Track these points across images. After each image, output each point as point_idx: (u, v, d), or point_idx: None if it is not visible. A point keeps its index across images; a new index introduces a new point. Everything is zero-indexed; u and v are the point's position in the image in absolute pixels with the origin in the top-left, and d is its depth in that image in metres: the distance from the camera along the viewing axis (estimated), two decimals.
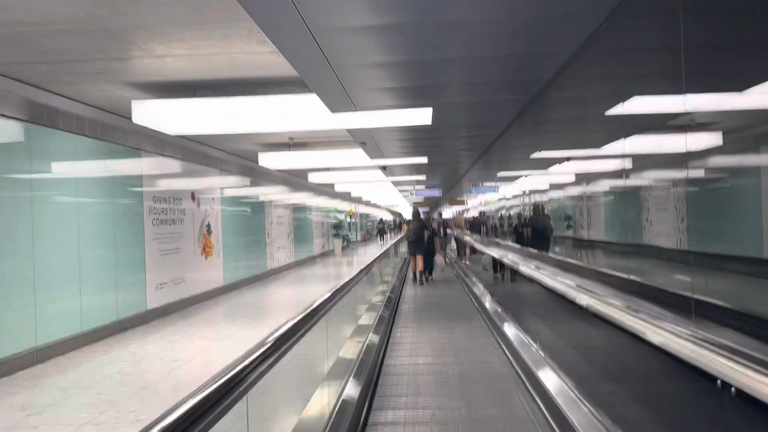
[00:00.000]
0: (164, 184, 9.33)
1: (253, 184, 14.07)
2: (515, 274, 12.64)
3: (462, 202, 40.45)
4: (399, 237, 29.53)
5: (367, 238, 39.16)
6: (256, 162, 11.07)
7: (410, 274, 13.87)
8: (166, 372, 5.63)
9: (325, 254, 22.91)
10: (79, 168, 7.13)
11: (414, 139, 9.00)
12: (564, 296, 5.54)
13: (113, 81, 6.37)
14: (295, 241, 18.06)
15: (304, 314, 3.55)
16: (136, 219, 8.38)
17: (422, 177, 16.91)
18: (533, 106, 6.77)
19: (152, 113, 6.50)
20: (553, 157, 12.22)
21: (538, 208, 16.08)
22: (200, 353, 6.38)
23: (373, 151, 10.18)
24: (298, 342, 3.22)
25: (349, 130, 8.17)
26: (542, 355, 5.34)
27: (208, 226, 11.00)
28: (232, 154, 12.39)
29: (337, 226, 24.32)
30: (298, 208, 18.92)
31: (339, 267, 18.34)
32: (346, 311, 6.42)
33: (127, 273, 8.02)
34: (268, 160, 11.06)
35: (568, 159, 12.58)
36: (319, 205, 22.26)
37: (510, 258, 11.31)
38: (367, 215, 41.85)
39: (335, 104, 6.21)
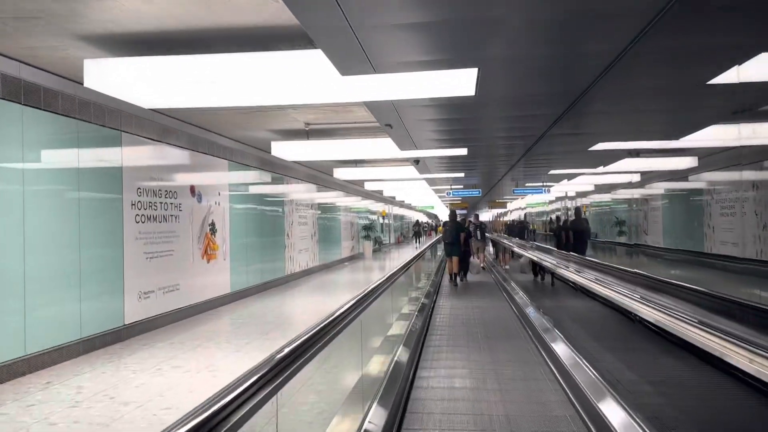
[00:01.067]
0: (154, 175, 7.88)
1: (272, 179, 12.59)
2: (553, 276, 11.98)
3: (503, 205, 38.44)
4: (434, 239, 27.85)
5: (401, 240, 37.52)
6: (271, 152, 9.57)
7: (446, 277, 13.57)
8: (101, 425, 4.09)
9: (354, 257, 21.36)
10: (32, 152, 5.69)
11: (451, 120, 7.31)
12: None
13: (61, 34, 4.89)
14: (320, 243, 16.54)
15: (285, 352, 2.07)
16: (111, 215, 6.92)
17: (460, 174, 15.16)
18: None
19: (111, 76, 4.98)
20: (615, 148, 10.35)
21: (578, 211, 14.92)
22: (161, 393, 4.83)
23: (402, 139, 8.51)
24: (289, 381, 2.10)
25: (368, 105, 6.52)
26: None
27: (212, 224, 9.52)
28: (244, 143, 10.91)
29: (368, 228, 22.74)
30: (324, 208, 17.40)
31: (368, 272, 16.74)
32: (360, 339, 4.83)
33: (97, 280, 6.56)
34: (282, 149, 9.53)
35: (635, 153, 10.70)
36: (348, 204, 20.73)
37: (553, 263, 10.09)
38: (401, 217, 40.21)
39: (346, 62, 4.58)
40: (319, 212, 16.79)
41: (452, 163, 12.61)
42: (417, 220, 42.77)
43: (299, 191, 14.74)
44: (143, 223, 7.54)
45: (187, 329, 7.71)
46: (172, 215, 8.28)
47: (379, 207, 28.52)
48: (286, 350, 2.20)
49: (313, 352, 2.55)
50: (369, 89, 5.32)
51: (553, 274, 11.99)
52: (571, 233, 12.98)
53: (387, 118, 6.93)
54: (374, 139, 9.47)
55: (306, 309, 9.71)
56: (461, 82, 5.13)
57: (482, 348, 6.35)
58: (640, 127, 8.42)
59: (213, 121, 8.92)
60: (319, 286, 13.25)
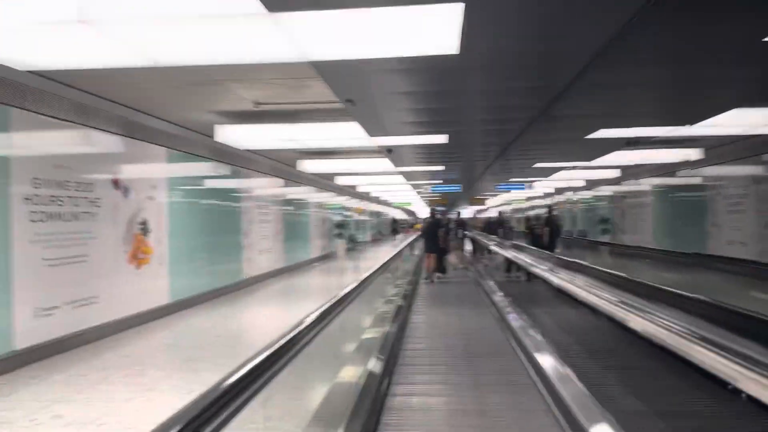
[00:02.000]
0: (62, 163, 6.35)
1: (227, 171, 11.08)
2: (530, 275, 11.71)
3: (482, 201, 37.25)
4: (412, 238, 26.53)
5: (377, 239, 36.12)
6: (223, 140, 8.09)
7: (426, 275, 13.23)
8: None
9: (326, 257, 19.90)
10: None
11: (428, 95, 5.93)
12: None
13: None
14: (286, 242, 15.05)
15: None
16: None
17: (440, 168, 13.80)
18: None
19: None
20: (616, 136, 9.04)
21: (551, 210, 14.68)
22: None
23: (370, 121, 7.10)
24: None
25: (320, 68, 5.08)
26: None
27: (144, 223, 8.01)
28: (190, 129, 9.38)
29: (341, 225, 21.28)
30: (291, 204, 15.92)
31: (338, 274, 15.31)
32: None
33: None
34: (228, 134, 8.09)
35: (635, 142, 9.41)
36: (319, 201, 19.26)
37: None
38: (378, 214, 38.80)
39: None
40: (286, 209, 15.30)
41: (431, 155, 11.26)
42: (393, 218, 41.46)
43: (261, 186, 13.24)
44: (43, 222, 6.01)
45: (100, 353, 6.21)
46: (86, 212, 6.76)
47: (353, 204, 27.08)
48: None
49: (240, 403, 1.98)
50: (317, 40, 3.90)
51: (529, 272, 11.57)
52: (546, 230, 13.09)
53: (348, 91, 5.51)
54: (339, 123, 8.03)
55: (256, 323, 8.25)
56: (441, 32, 3.75)
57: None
58: (648, 108, 7.14)
59: (143, 99, 7.41)
60: (281, 292, 11.79)
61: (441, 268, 13.15)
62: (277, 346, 2.70)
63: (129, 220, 7.65)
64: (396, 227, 35.57)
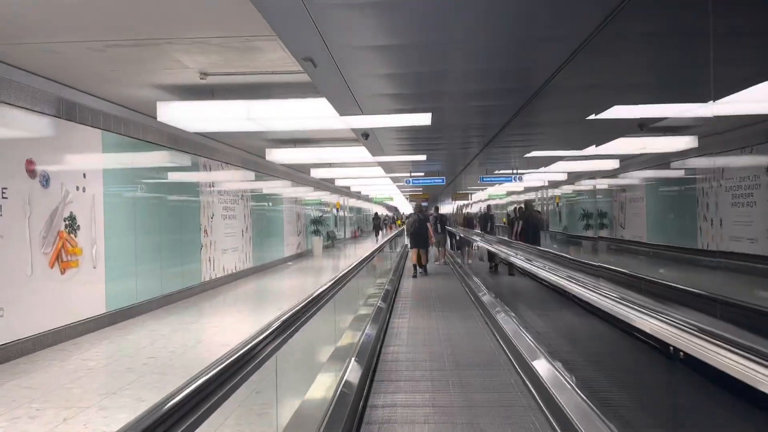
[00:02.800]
0: None
1: (182, 161, 9.79)
2: (512, 267, 11.27)
3: (466, 197, 36.18)
4: (394, 233, 25.36)
5: (358, 235, 34.91)
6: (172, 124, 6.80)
7: (408, 273, 13.43)
8: None
9: (301, 255, 18.65)
10: None
11: (405, 49, 4.69)
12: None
13: None
14: (254, 240, 13.78)
15: None
16: None
17: (422, 157, 12.60)
18: None
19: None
20: (628, 117, 7.91)
21: (529, 204, 14.50)
22: None
23: (338, 93, 5.84)
24: None
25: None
26: None
27: (71, 219, 6.70)
28: (128, 108, 8.06)
29: (318, 222, 20.00)
30: (261, 198, 14.64)
31: (313, 274, 14.08)
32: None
33: None
34: (171, 113, 6.82)
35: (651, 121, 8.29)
36: (294, 196, 17.99)
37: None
38: (358, 209, 37.59)
39: None
40: (255, 204, 14.01)
41: (413, 140, 10.06)
42: (376, 213, 40.26)
43: (226, 178, 11.95)
44: None
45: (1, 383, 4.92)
46: None
47: (332, 199, 25.82)
48: None
49: None
50: None
51: (512, 265, 11.00)
52: (527, 224, 12.89)
53: (306, 45, 4.25)
54: (304, 100, 6.78)
55: (205, 337, 6.97)
56: None
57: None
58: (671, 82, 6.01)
59: (70, 71, 6.10)
60: (245, 296, 10.54)
61: (426, 260, 13.42)
62: (206, 378, 1.61)
63: (51, 215, 6.34)
64: (378, 223, 34.07)
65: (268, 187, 15.43)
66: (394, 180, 20.17)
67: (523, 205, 14.49)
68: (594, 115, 6.94)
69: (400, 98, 6.39)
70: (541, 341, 4.98)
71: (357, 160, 13.25)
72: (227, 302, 9.64)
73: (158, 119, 6.77)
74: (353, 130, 8.55)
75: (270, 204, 15.55)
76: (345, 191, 27.98)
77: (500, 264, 12.71)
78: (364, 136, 8.86)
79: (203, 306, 9.07)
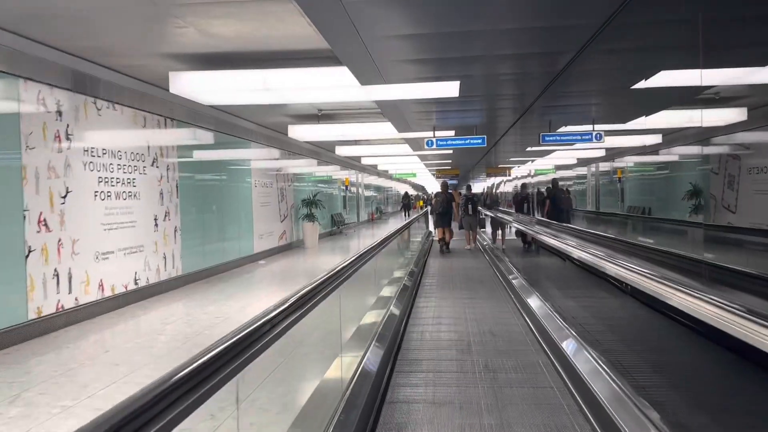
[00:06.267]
0: None
1: None
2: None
3: (503, 171, 30.42)
4: (419, 213, 20.09)
5: (375, 218, 29.69)
6: None
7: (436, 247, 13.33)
8: None
9: (287, 248, 13.56)
10: None
11: None
12: None
13: None
14: (186, 229, 8.72)
15: None
16: None
17: (451, 89, 7.31)
18: None
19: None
20: None
21: (555, 182, 13.69)
22: None
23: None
24: None
25: None
26: None
27: None
28: None
29: (311, 203, 14.78)
30: (206, 166, 9.57)
31: (281, 284, 8.98)
32: None
33: None
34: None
35: None
36: (274, 166, 12.84)
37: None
38: (377, 188, 32.33)
39: None
40: (191, 174, 8.95)
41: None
42: (406, 192, 36.38)
43: (103, 123, 6.86)
44: None
45: None
46: None
47: (340, 174, 20.61)
48: None
49: None
50: None
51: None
52: (553, 204, 12.56)
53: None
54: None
55: None
56: None
57: None
58: None
59: None
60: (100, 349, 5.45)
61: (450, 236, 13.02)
62: None
63: None
64: (408, 202, 32.93)
65: (226, 154, 10.35)
66: (414, 147, 14.83)
67: (550, 185, 13.69)
68: None
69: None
70: None
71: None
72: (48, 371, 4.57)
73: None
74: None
75: (226, 176, 10.43)
76: (355, 164, 22.74)
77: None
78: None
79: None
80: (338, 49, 5.14)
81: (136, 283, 7.30)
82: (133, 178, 7.31)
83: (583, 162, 22.78)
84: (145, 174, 7.56)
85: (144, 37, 5.52)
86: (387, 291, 6.07)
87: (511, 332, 5.21)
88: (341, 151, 15.10)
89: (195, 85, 6.21)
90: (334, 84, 6.09)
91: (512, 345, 4.78)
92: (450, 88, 6.55)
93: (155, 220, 7.81)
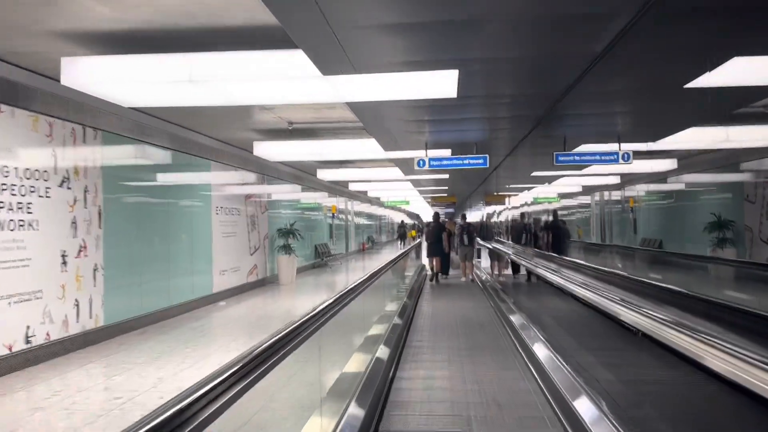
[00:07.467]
0: None
1: None
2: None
3: (500, 200, 28.72)
4: (415, 243, 18.40)
5: (366, 248, 27.89)
6: None
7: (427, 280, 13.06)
8: None
9: (258, 285, 11.75)
10: None
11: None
12: None
13: None
14: (112, 263, 6.95)
15: None
16: None
17: (448, 86, 5.62)
18: None
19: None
20: None
21: (555, 214, 13.99)
22: None
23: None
24: None
25: None
26: None
27: None
28: None
29: (287, 233, 13.01)
30: (151, 190, 7.84)
31: (227, 340, 7.17)
32: None
33: None
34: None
35: None
36: (240, 192, 11.12)
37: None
38: (369, 215, 30.61)
39: None
40: (121, 195, 7.23)
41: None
42: (402, 221, 35.22)
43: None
44: None
45: None
46: None
47: (329, 202, 18.89)
48: None
49: None
50: None
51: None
52: (550, 234, 12.85)
53: None
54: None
55: None
56: None
57: None
58: None
59: None
60: None
61: (445, 269, 13.51)
62: None
63: None
64: (404, 231, 31.07)
65: (177, 176, 8.64)
66: (405, 170, 13.15)
67: (551, 216, 13.80)
68: None
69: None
70: None
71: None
72: None
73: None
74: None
75: (175, 201, 8.69)
76: (343, 190, 21.06)
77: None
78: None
79: None
80: (285, 18, 3.48)
81: (27, 342, 5.49)
82: (28, 203, 5.55)
83: (588, 190, 21.17)
84: (47, 197, 5.81)
85: (28, 8, 3.86)
86: (353, 365, 4.29)
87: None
88: (323, 174, 13.46)
89: (95, 76, 4.53)
90: (287, 74, 4.43)
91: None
92: (446, 83, 4.89)
93: (63, 256, 6.02)
